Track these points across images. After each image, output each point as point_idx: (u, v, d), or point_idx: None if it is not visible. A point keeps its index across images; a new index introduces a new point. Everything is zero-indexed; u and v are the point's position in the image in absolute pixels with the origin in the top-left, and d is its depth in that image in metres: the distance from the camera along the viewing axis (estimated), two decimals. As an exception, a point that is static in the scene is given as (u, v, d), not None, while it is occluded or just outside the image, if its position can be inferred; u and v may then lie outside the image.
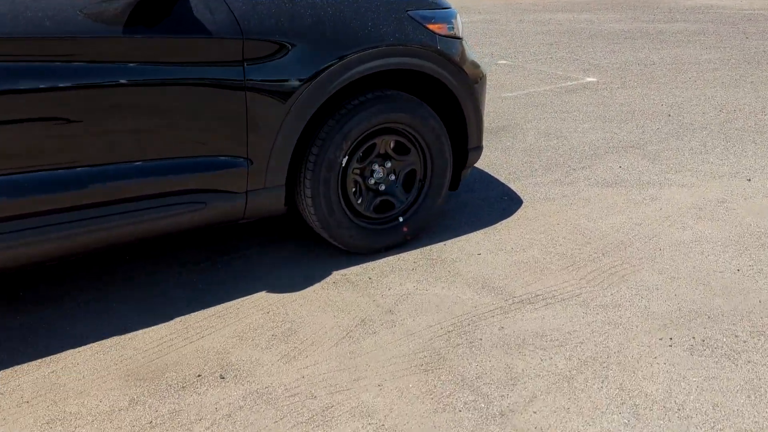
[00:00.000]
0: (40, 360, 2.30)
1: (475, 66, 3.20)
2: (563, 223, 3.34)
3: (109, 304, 2.65)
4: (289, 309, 2.62)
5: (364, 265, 2.96)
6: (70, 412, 2.05)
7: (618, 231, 3.24)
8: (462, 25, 3.23)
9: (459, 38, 3.12)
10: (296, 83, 2.60)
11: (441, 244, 3.16)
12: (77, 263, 2.93)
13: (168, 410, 2.05)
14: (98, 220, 2.34)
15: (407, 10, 2.89)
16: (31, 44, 2.10)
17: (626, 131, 4.87)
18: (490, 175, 4.06)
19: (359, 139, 2.86)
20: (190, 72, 2.40)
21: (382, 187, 3.02)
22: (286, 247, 3.13)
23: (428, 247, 3.12)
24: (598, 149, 4.48)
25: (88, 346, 2.38)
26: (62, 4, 2.16)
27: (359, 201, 2.99)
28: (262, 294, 2.73)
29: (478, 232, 3.28)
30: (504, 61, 7.73)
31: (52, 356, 2.32)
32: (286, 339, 2.42)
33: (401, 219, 3.09)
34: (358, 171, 2.95)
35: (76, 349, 2.36)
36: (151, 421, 2.01)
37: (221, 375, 2.22)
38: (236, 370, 2.25)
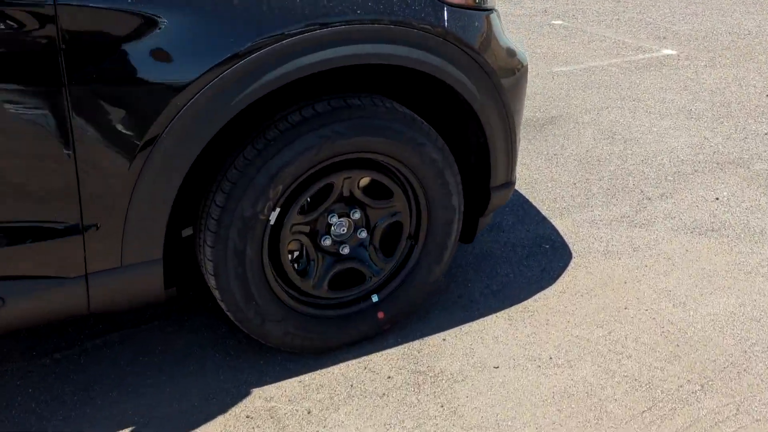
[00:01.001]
0: None
1: (510, 54, 1.97)
2: (634, 308, 2.14)
3: None
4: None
5: (305, 380, 1.83)
6: None
7: (723, 332, 2.03)
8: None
9: (487, 9, 1.89)
10: (169, 89, 1.43)
11: (437, 338, 2.00)
12: None
13: None
14: None
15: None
16: None
17: (722, 135, 3.55)
18: (525, 199, 2.85)
19: (301, 178, 1.69)
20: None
21: (345, 250, 1.86)
22: (188, 327, 2.01)
23: (415, 345, 1.97)
24: (684, 164, 3.19)
25: None
26: None
27: (304, 275, 1.84)
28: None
29: (498, 315, 2.11)
30: (559, 22, 6.32)
31: None
32: None
33: (376, 298, 1.94)
34: (303, 228, 1.80)
35: None
36: None
37: None
38: None
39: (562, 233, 2.59)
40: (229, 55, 1.46)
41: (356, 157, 1.75)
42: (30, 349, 1.96)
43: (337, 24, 1.57)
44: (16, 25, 1.30)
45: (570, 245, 2.50)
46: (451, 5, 1.74)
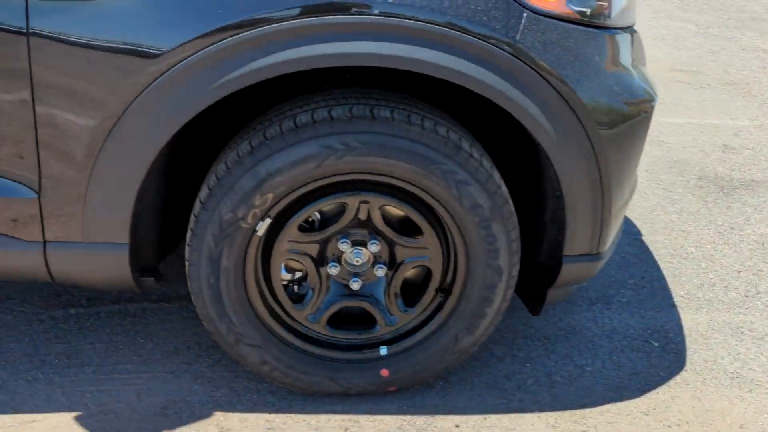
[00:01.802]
0: None
1: (629, 90, 1.48)
2: (735, 468, 1.53)
3: None
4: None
5: (274, 421, 1.56)
6: None
7: None
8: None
9: (605, 27, 1.42)
10: (140, 56, 1.24)
11: (450, 421, 1.60)
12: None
13: None
14: None
15: (467, -58, 1.29)
16: None
17: None
18: (662, 274, 2.24)
19: (300, 191, 1.41)
20: None
21: (356, 285, 1.54)
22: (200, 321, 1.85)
23: (418, 422, 1.59)
24: None
25: None
26: None
27: (299, 301, 1.56)
28: None
29: (542, 417, 1.63)
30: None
31: None
32: None
33: (384, 351, 1.60)
34: (307, 249, 1.51)
35: None
36: None
37: None
38: None
39: (686, 333, 1.98)
40: (220, 25, 1.23)
41: (376, 180, 1.42)
42: (56, 295, 1.95)
43: (372, 13, 1.25)
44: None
45: (689, 352, 1.90)
46: (534, 11, 1.31)
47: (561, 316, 2.00)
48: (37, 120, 1.28)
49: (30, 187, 1.34)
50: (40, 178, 1.33)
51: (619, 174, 1.50)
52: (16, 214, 1.36)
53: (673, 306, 2.10)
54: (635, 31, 1.58)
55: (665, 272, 2.28)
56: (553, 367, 1.80)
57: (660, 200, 2.73)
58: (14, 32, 1.24)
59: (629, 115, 1.47)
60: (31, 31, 1.24)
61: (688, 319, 2.04)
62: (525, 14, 1.31)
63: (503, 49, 1.30)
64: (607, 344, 1.91)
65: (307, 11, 1.26)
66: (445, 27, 1.27)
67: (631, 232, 2.50)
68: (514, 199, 1.49)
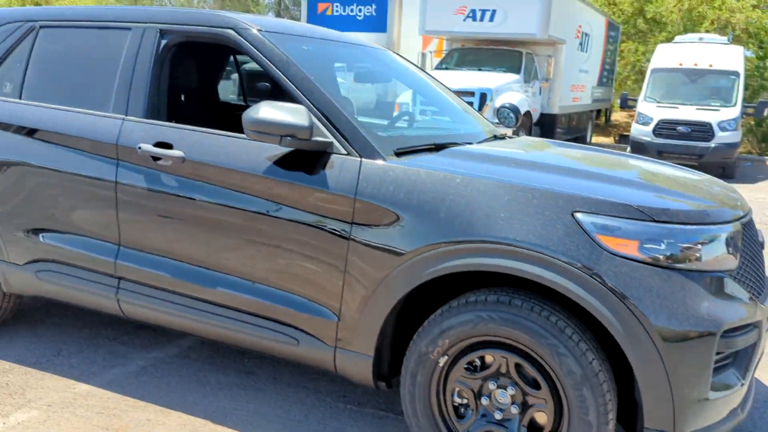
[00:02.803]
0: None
1: (701, 322, 2.13)
2: None
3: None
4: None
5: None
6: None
7: None
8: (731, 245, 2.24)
9: (689, 270, 2.18)
10: (395, 253, 2.42)
11: None
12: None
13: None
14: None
15: (574, 211, 2.23)
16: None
17: None
18: None
19: (465, 342, 2.36)
20: (305, 216, 2.58)
21: (498, 416, 2.37)
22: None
23: None
24: None
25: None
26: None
27: (462, 417, 2.44)
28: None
29: None
30: None
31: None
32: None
33: (510, 467, 2.35)
34: (471, 383, 2.41)
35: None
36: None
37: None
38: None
39: None
40: (426, 243, 2.36)
41: (508, 343, 2.29)
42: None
43: (500, 242, 2.26)
44: (331, 205, 2.54)
45: None
46: (612, 254, 2.14)
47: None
48: (345, 280, 2.55)
49: (333, 313, 2.59)
50: (340, 307, 2.57)
51: (683, 373, 2.09)
52: (326, 327, 2.61)
53: None
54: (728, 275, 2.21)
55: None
56: None
57: None
58: (342, 237, 2.54)
59: (689, 336, 2.09)
60: (351, 238, 2.53)
61: None
62: (603, 254, 2.15)
63: (584, 272, 2.14)
64: None
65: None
66: (553, 257, 2.19)
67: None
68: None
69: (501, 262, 2.26)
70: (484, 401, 2.39)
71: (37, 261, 3.20)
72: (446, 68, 12.34)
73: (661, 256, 2.15)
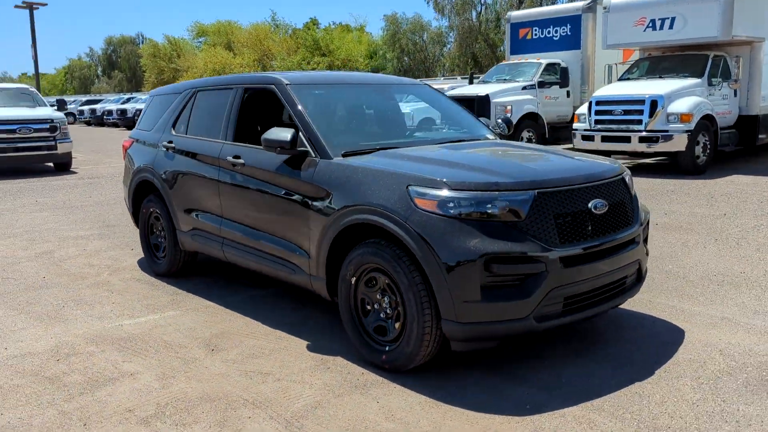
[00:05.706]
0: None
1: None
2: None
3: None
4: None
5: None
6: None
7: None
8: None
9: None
10: (328, 213, 4.01)
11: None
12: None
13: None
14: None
15: (408, 185, 3.61)
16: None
17: None
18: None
19: (362, 269, 3.84)
20: (292, 195, 4.31)
21: (383, 314, 3.82)
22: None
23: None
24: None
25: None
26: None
27: (365, 317, 3.92)
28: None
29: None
30: None
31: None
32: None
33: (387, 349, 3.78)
34: (369, 295, 3.86)
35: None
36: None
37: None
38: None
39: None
40: (343, 205, 3.94)
41: (381, 268, 3.73)
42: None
43: (370, 205, 3.74)
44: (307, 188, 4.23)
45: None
46: (421, 210, 3.50)
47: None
48: (310, 233, 4.20)
49: (307, 252, 4.25)
50: (309, 249, 4.24)
51: (458, 283, 3.37)
52: (298, 263, 4.28)
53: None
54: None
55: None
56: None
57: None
58: (305, 206, 4.20)
59: (460, 262, 3.36)
60: (311, 206, 4.16)
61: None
62: (416, 211, 3.49)
63: (405, 222, 3.52)
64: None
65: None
66: (391, 214, 3.61)
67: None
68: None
69: (369, 217, 3.73)
70: (376, 306, 3.86)
71: (192, 229, 5.44)
72: (628, 78, 12.76)
73: (453, 212, 3.43)
